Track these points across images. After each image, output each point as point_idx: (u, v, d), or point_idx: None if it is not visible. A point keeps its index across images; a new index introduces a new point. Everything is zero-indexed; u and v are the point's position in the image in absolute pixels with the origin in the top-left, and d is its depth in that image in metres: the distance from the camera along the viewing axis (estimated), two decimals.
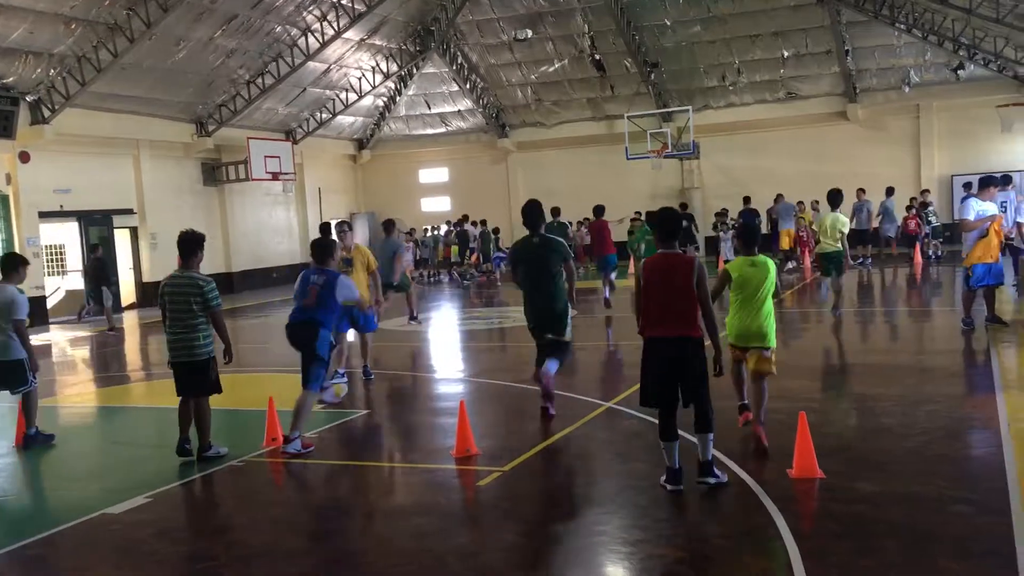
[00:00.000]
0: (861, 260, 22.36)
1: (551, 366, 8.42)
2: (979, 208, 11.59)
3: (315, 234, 12.13)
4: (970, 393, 9.02)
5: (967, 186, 19.15)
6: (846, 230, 13.80)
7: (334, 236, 10.12)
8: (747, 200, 24.62)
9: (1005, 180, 14.33)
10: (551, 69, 29.54)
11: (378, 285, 10.95)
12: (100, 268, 19.68)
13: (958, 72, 26.61)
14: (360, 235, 30.03)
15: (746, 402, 7.62)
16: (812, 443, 6.26)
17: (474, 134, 32.98)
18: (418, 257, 28.87)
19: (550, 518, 5.86)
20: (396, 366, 12.48)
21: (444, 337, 15.78)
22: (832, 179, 26.27)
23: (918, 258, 22.80)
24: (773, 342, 7.19)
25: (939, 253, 23.66)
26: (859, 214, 23.50)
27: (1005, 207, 13.69)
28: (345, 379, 10.72)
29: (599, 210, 18.42)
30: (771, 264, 7.22)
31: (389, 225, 14.75)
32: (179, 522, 6.40)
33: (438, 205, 33.47)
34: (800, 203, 24.97)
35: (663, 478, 6.23)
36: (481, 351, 13.97)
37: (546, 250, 8.46)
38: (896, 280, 19.39)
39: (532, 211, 8.57)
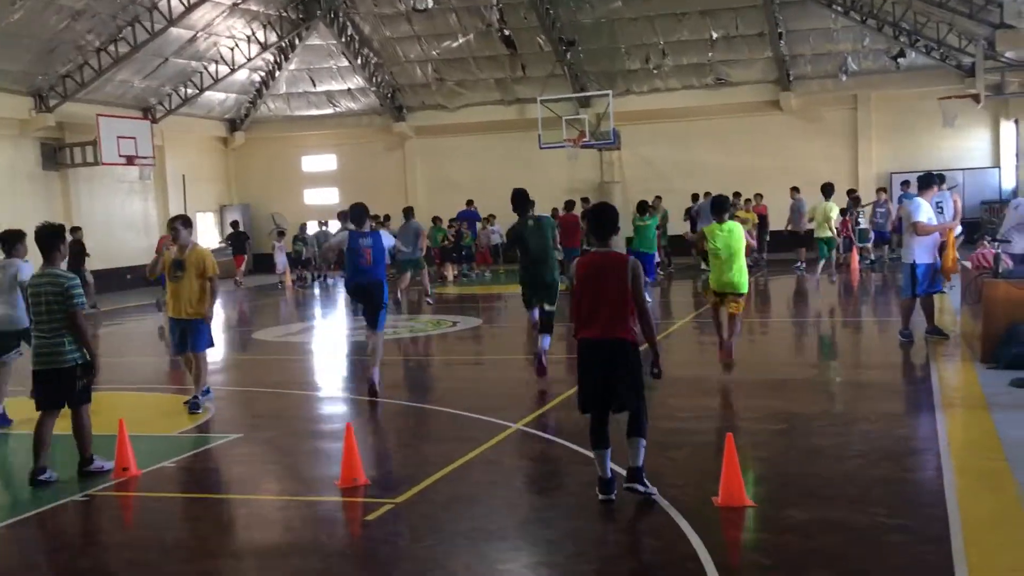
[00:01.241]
0: (797, 264, 23.04)
1: (545, 342, 10.72)
2: (929, 213, 12.06)
3: None
4: (908, 412, 9.37)
5: (906, 184, 19.91)
6: (834, 215, 18.31)
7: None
8: (707, 195, 25.80)
9: (940, 179, 14.97)
10: (455, 45, 29.56)
11: (215, 291, 10.16)
12: (81, 251, 21.39)
13: (898, 60, 27.72)
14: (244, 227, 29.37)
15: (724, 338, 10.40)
16: (739, 468, 6.42)
17: (366, 116, 32.77)
18: (304, 257, 28.55)
19: (447, 556, 5.85)
20: (272, 383, 12.27)
21: (328, 350, 15.60)
22: (764, 174, 27.41)
23: (855, 263, 23.58)
24: (744, 288, 10.28)
25: (885, 258, 24.36)
26: (793, 214, 24.22)
27: (941, 207, 14.24)
28: (211, 395, 10.52)
29: (570, 204, 21.50)
30: (738, 228, 10.16)
31: (408, 211, 20.55)
32: (11, 567, 6.15)
33: (324, 197, 33.01)
34: (747, 200, 25.58)
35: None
36: None
37: (545, 228, 10.95)
38: (831, 287, 20.02)
39: (520, 198, 10.97)
